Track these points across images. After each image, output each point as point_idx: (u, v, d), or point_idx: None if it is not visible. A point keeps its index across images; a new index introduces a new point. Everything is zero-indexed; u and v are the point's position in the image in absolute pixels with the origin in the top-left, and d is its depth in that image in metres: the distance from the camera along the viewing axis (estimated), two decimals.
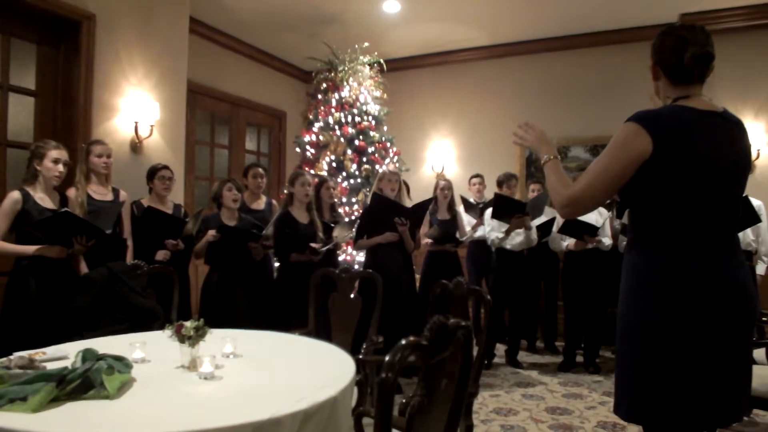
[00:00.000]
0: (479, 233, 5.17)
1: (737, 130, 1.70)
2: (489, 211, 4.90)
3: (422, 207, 4.34)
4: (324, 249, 4.02)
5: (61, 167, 3.14)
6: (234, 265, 3.93)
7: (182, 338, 1.87)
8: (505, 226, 4.83)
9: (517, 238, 4.94)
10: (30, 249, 3.01)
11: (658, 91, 1.79)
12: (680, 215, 1.61)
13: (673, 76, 1.71)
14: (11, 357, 1.76)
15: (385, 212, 4.19)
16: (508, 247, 4.98)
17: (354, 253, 5.21)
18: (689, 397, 1.58)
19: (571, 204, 1.71)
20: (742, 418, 1.66)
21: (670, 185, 1.60)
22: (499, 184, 5.30)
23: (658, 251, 1.63)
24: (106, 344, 2.05)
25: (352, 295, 3.30)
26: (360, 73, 5.99)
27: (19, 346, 2.18)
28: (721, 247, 1.62)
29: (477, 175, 6.00)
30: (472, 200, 5.68)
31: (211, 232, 3.83)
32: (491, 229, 5.00)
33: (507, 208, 4.70)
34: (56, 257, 3.06)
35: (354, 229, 4.37)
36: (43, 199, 3.12)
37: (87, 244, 3.10)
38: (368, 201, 4.57)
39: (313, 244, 3.97)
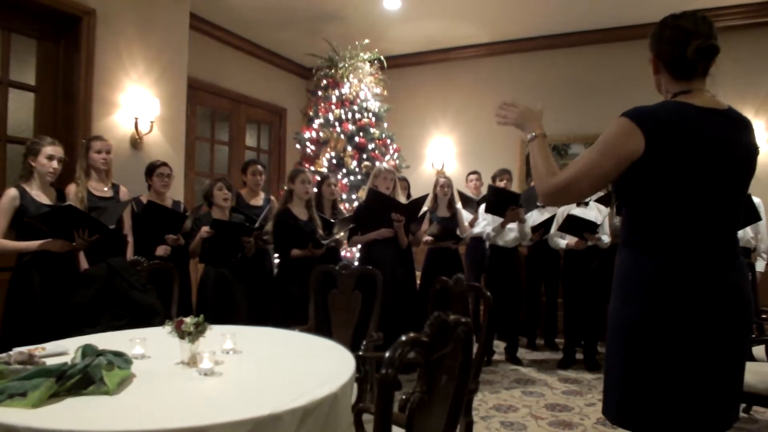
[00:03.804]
0: (477, 230, 5.18)
1: (741, 129, 1.60)
2: (483, 206, 4.92)
3: (417, 203, 4.35)
4: (326, 242, 4.03)
5: (55, 164, 3.13)
6: (229, 261, 3.93)
7: (182, 334, 1.87)
8: (500, 221, 4.85)
9: (510, 234, 4.97)
10: (33, 244, 3.02)
11: (659, 85, 1.70)
12: (675, 216, 1.53)
13: (675, 70, 1.61)
14: (11, 352, 1.76)
15: (380, 208, 4.20)
16: (500, 243, 5.00)
17: (354, 249, 5.21)
18: (677, 404, 1.51)
19: (554, 194, 1.65)
20: (731, 426, 1.60)
21: (663, 185, 1.52)
22: (494, 179, 5.39)
23: (651, 252, 1.56)
24: (105, 340, 2.05)
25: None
26: (360, 70, 5.99)
27: (23, 341, 2.19)
28: (717, 250, 1.54)
29: (474, 172, 6.07)
30: (469, 194, 5.69)
31: (205, 228, 3.83)
32: (486, 223, 5.02)
33: (501, 201, 4.73)
34: (59, 251, 3.06)
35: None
36: (39, 195, 3.12)
37: (89, 239, 3.11)
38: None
39: (319, 238, 3.98)
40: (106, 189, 3.60)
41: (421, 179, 6.87)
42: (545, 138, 1.74)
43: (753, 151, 1.61)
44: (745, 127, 1.62)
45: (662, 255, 1.54)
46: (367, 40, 5.99)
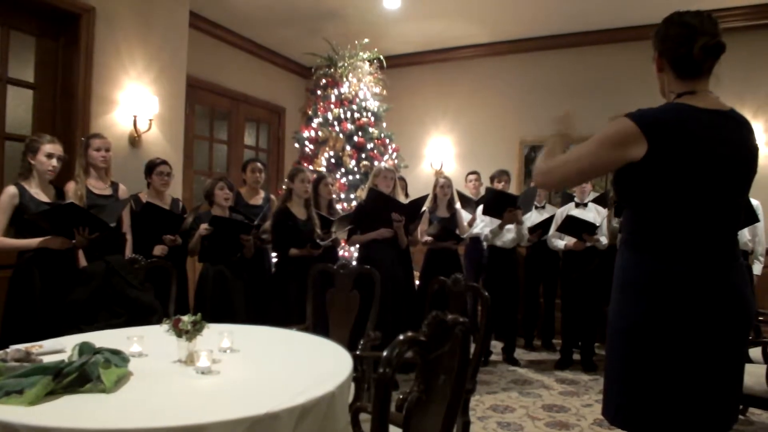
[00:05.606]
0: (475, 230, 5.18)
1: (743, 131, 1.59)
2: (481, 208, 4.92)
3: (418, 204, 4.36)
4: (324, 243, 4.03)
5: (54, 162, 3.13)
6: (228, 259, 3.93)
7: (179, 333, 1.87)
8: (498, 222, 4.85)
9: (508, 235, 4.98)
10: (34, 242, 3.01)
11: (662, 84, 1.67)
12: (676, 218, 1.52)
13: (680, 69, 1.59)
14: (8, 350, 1.76)
15: (380, 208, 4.20)
16: (498, 244, 5.01)
17: (352, 248, 5.21)
18: (677, 406, 1.51)
19: (544, 174, 1.72)
20: (731, 428, 1.60)
21: (666, 187, 1.52)
22: (492, 180, 5.39)
23: (651, 253, 1.55)
24: (103, 338, 2.05)
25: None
26: (360, 70, 5.99)
27: (23, 338, 2.18)
28: (718, 252, 1.54)
29: (473, 172, 6.07)
30: (468, 194, 5.69)
31: (204, 226, 3.83)
32: (484, 224, 5.02)
33: (499, 203, 4.73)
34: (59, 248, 3.06)
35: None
36: (38, 193, 3.11)
37: (89, 236, 3.10)
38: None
39: (317, 239, 3.98)
40: (105, 187, 3.59)
41: (420, 179, 6.87)
42: (563, 137, 1.85)
43: (755, 152, 1.61)
44: (747, 128, 1.61)
45: (663, 256, 1.54)
46: (366, 40, 5.99)
